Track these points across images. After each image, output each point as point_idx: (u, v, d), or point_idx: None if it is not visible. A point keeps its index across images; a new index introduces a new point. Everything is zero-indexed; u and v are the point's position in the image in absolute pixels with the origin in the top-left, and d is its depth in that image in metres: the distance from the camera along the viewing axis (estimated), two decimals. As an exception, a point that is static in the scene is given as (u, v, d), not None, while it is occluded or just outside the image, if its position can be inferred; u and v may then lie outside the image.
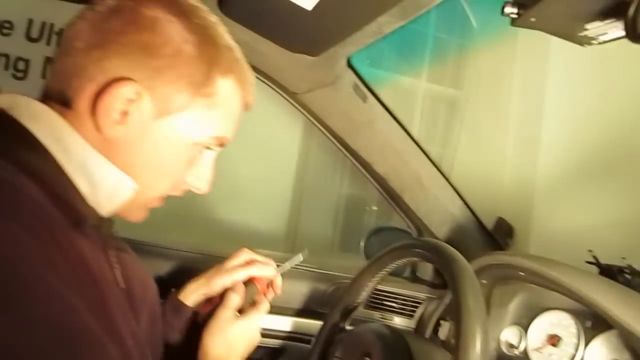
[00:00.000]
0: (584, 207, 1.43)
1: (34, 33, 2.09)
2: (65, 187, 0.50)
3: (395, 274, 1.31)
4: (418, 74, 2.68)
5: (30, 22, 2.09)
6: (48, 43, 2.09)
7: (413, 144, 1.16)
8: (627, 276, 0.87)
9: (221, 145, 0.61)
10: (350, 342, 0.81)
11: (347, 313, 0.89)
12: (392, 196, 1.21)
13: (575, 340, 0.83)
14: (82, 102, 0.52)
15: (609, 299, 0.68)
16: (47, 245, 0.41)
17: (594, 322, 0.82)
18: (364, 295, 0.88)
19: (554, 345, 0.86)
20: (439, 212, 1.21)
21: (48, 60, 2.08)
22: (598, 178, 1.42)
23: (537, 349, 0.89)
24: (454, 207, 1.23)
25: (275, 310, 1.15)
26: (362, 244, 1.32)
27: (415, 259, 0.79)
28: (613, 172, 1.38)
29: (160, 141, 0.55)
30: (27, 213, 0.41)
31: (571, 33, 0.55)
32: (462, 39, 2.56)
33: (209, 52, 0.55)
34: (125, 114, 0.52)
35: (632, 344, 0.71)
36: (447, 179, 1.22)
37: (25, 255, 0.38)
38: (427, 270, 1.29)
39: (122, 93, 0.51)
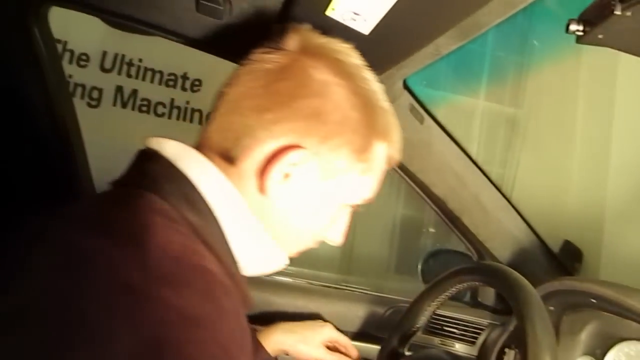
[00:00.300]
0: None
1: (107, 64, 2.27)
2: (227, 253, 0.51)
3: (456, 298, 1.28)
4: (476, 93, 2.64)
5: (104, 54, 2.27)
6: (119, 72, 2.27)
7: (472, 164, 1.13)
8: None
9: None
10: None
11: (405, 338, 0.87)
12: (450, 218, 1.18)
13: (657, 375, 0.77)
14: (248, 163, 0.52)
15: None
16: (227, 315, 0.41)
17: (678, 356, 0.75)
18: (423, 320, 0.86)
19: (632, 379, 0.81)
20: (501, 234, 1.17)
21: (118, 89, 2.26)
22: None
23: (614, 383, 0.83)
24: (516, 229, 1.18)
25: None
26: (419, 266, 1.29)
27: (476, 283, 0.77)
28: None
29: (315, 203, 0.56)
30: (211, 284, 0.42)
31: (642, 49, 0.53)
32: (522, 57, 2.50)
33: (371, 117, 0.56)
34: (287, 176, 0.52)
35: None
36: (508, 200, 1.18)
37: (210, 326, 0.39)
38: (489, 294, 1.24)
39: (290, 158, 0.51)
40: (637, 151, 1.57)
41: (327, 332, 0.95)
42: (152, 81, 2.30)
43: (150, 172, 0.49)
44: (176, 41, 0.84)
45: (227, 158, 0.53)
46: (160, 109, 2.29)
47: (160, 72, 2.30)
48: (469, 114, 2.60)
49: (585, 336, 0.91)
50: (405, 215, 2.45)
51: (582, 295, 0.83)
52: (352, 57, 0.57)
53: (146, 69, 2.29)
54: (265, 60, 0.54)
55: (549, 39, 2.21)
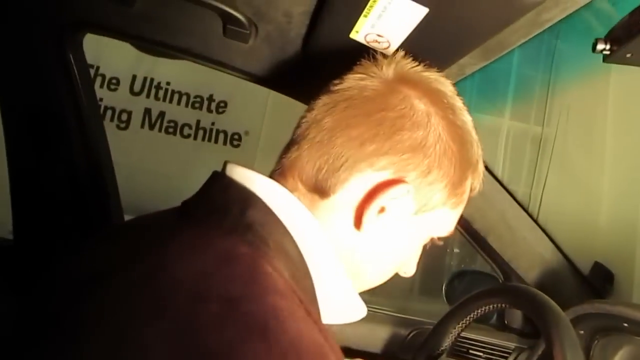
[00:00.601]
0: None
1: (137, 87, 2.35)
2: (314, 299, 0.49)
3: (482, 320, 1.25)
4: (501, 112, 2.62)
5: (134, 77, 2.35)
6: (148, 95, 2.34)
7: (497, 184, 1.12)
8: None
9: None
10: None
11: (430, 360, 0.85)
12: (475, 238, 1.16)
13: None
14: (344, 196, 0.50)
15: None
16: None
17: None
18: (447, 342, 0.84)
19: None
20: (528, 255, 1.15)
21: (146, 111, 2.32)
22: None
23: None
24: (543, 249, 1.16)
25: (349, 352, 1.13)
26: (444, 287, 1.28)
27: (503, 305, 0.76)
28: None
29: (405, 238, 0.55)
30: (307, 342, 0.40)
31: (671, 67, 0.52)
32: (548, 75, 2.48)
33: (467, 149, 0.54)
34: (382, 210, 0.50)
35: None
36: (534, 220, 1.16)
37: None
38: (516, 317, 1.21)
39: (392, 193, 0.49)
40: (669, 170, 1.53)
41: None
42: (179, 103, 2.37)
43: (252, 221, 0.45)
44: (203, 64, 0.87)
45: (320, 190, 0.50)
46: (186, 130, 2.35)
47: (187, 94, 2.37)
48: (494, 133, 2.58)
49: (618, 361, 0.88)
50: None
51: (614, 319, 0.81)
52: (447, 85, 0.55)
53: (173, 92, 2.36)
54: (362, 88, 0.51)
55: (576, 56, 2.19)
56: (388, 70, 0.53)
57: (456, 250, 2.47)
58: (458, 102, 0.55)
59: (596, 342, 0.89)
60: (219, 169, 0.53)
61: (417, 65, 0.54)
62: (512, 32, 0.62)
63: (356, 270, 0.53)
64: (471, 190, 0.57)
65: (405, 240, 0.54)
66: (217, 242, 0.43)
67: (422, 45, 0.62)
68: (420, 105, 0.51)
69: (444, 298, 1.27)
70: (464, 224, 1.13)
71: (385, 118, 0.50)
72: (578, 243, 1.34)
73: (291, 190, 0.50)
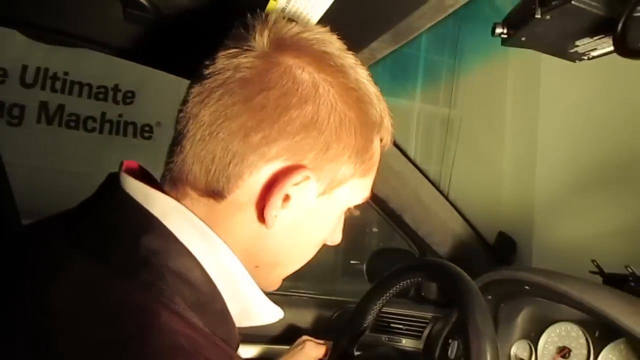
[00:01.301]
0: (585, 218, 1.43)
1: (29, 78, 2.13)
2: (226, 318, 0.47)
3: (400, 295, 1.31)
4: (412, 96, 2.72)
5: (25, 68, 2.13)
6: (43, 87, 2.14)
7: (411, 164, 1.17)
8: (632, 284, 0.87)
9: None
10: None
11: (354, 338, 0.88)
12: (392, 217, 1.21)
13: (584, 351, 0.82)
14: (241, 194, 0.46)
15: (615, 308, 0.68)
16: None
17: (602, 332, 0.81)
18: (370, 319, 0.87)
19: (564, 357, 0.86)
20: (440, 230, 1.22)
21: (42, 105, 2.12)
22: (597, 188, 1.42)
23: (548, 363, 0.88)
24: (454, 224, 1.23)
25: (280, 339, 1.14)
26: (364, 266, 1.32)
27: (419, 279, 0.79)
28: (611, 181, 1.38)
29: (317, 218, 0.51)
30: None
31: (561, 50, 0.56)
32: (453, 59, 2.61)
33: (367, 111, 0.49)
34: (287, 198, 0.46)
35: (642, 353, 0.71)
36: (446, 197, 1.23)
37: None
38: (432, 289, 1.28)
39: (290, 180, 0.45)
40: (562, 145, 1.67)
41: (310, 354, 0.91)
42: (80, 95, 2.18)
43: (146, 253, 0.42)
44: (105, 52, 0.81)
45: (213, 193, 0.46)
46: (90, 124, 2.18)
47: (89, 85, 2.19)
48: (406, 115, 2.68)
49: (521, 321, 0.96)
50: (349, 216, 2.48)
51: (516, 284, 0.88)
52: (332, 44, 0.49)
53: (73, 82, 2.17)
54: (236, 67, 0.45)
55: (478, 41, 2.31)
56: (262, 39, 0.46)
57: (375, 229, 2.55)
58: (348, 60, 0.49)
59: (502, 305, 0.97)
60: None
61: (294, 27, 0.48)
62: (419, 16, 0.64)
63: (276, 262, 0.52)
64: (382, 147, 0.55)
65: (321, 220, 0.51)
66: (106, 289, 0.40)
67: (333, 29, 0.62)
68: (304, 75, 0.45)
69: (365, 277, 1.32)
70: (381, 204, 1.17)
71: (267, 100, 0.44)
72: (484, 216, 1.44)
73: (182, 199, 0.46)
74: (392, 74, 2.67)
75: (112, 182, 0.47)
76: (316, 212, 0.50)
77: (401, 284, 0.82)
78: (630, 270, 0.87)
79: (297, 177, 0.45)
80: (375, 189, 1.14)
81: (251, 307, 0.49)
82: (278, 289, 1.04)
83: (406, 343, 1.15)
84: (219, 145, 0.44)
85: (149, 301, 0.40)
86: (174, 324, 0.39)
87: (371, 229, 2.57)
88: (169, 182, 0.48)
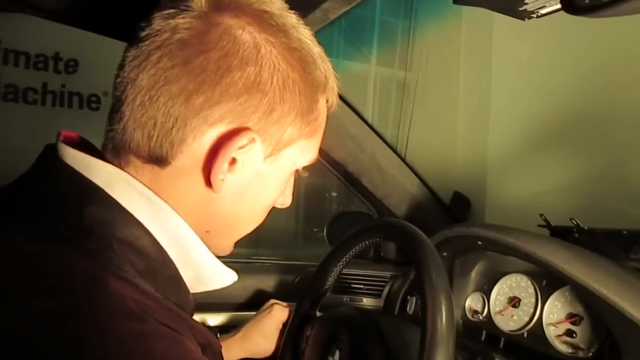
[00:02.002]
0: (535, 175, 1.49)
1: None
2: (179, 283, 0.47)
3: (360, 256, 1.34)
4: (368, 59, 2.71)
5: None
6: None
7: (367, 128, 1.17)
8: (576, 235, 0.92)
9: None
10: (320, 328, 0.82)
11: (316, 301, 0.89)
12: (350, 181, 1.22)
13: (533, 300, 0.87)
14: (185, 160, 0.45)
15: (561, 258, 0.72)
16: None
17: (549, 281, 0.86)
18: (331, 281, 0.88)
19: (514, 306, 0.91)
20: (398, 192, 1.24)
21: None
22: (546, 147, 1.48)
23: (500, 312, 0.93)
24: (411, 186, 1.26)
25: (245, 306, 1.15)
26: (325, 230, 1.33)
27: (377, 239, 0.81)
28: (559, 140, 1.44)
29: (265, 181, 0.50)
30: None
31: (511, 8, 0.56)
32: (409, 22, 2.60)
33: (311, 70, 0.49)
34: (234, 162, 0.46)
35: (584, 297, 0.75)
36: (402, 160, 1.24)
37: None
38: (390, 249, 1.32)
39: (235, 143, 0.44)
40: (513, 106, 1.72)
41: (278, 317, 0.93)
42: (16, 64, 2.04)
43: (90, 222, 0.41)
44: (40, 17, 0.75)
45: (157, 159, 0.45)
46: (31, 96, 2.06)
47: (26, 54, 2.05)
48: (362, 79, 2.67)
49: (474, 275, 1.01)
50: (308, 182, 2.49)
51: (470, 239, 0.91)
52: (274, 2, 0.48)
53: (7, 51, 2.02)
54: (173, 29, 0.43)
55: (432, 2, 2.31)
56: None
57: (334, 194, 2.58)
58: (290, 19, 0.49)
59: (457, 261, 1.00)
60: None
61: None
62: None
63: (226, 227, 0.52)
64: (328, 108, 0.55)
65: (268, 183, 0.51)
66: (50, 260, 0.38)
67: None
68: (245, 36, 0.44)
69: (326, 240, 1.33)
70: (339, 168, 1.18)
71: (208, 62, 0.43)
72: (440, 177, 1.48)
73: (125, 167, 0.45)
74: (347, 37, 2.64)
75: (50, 154, 0.45)
76: (264, 174, 0.50)
77: (360, 246, 0.83)
78: (575, 223, 0.92)
79: (242, 139, 0.45)
80: (333, 153, 1.15)
81: (204, 272, 0.50)
82: (240, 257, 1.05)
83: (367, 302, 1.19)
84: (160, 110, 0.43)
85: (96, 270, 0.39)
86: (124, 290, 0.39)
87: (330, 194, 2.59)
88: (111, 150, 0.47)
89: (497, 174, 1.67)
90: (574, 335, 0.79)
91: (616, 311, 0.63)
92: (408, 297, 1.06)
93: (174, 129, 0.43)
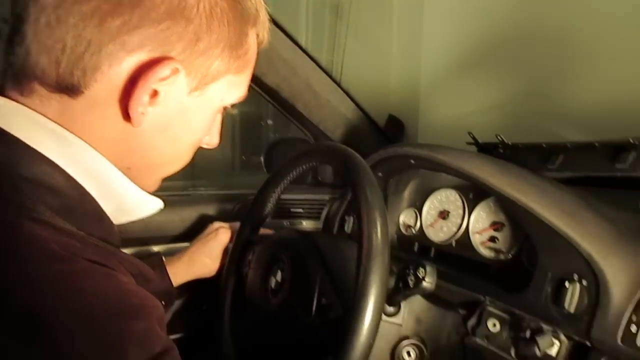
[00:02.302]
0: (464, 96, 1.54)
1: None
2: (100, 216, 0.44)
3: (298, 181, 1.35)
4: (299, -20, 2.59)
5: None
6: None
7: (301, 51, 1.14)
8: (500, 150, 0.97)
9: None
10: (262, 252, 0.84)
11: (256, 226, 0.90)
12: (285, 107, 1.20)
13: (460, 212, 0.93)
14: (100, 89, 0.41)
15: (486, 171, 0.76)
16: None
17: (475, 194, 0.92)
18: (270, 206, 0.89)
19: (444, 219, 0.96)
20: (333, 116, 1.24)
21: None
22: (476, 68, 1.51)
23: (431, 225, 0.99)
24: (346, 110, 1.26)
25: (185, 237, 1.15)
26: (262, 158, 1.33)
27: (314, 164, 0.81)
28: (488, 61, 1.48)
29: (190, 117, 0.47)
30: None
31: None
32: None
33: (241, 1, 0.46)
34: (155, 94, 0.42)
35: (506, 206, 0.81)
36: (337, 84, 1.23)
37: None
38: (327, 173, 1.34)
39: (158, 74, 0.41)
40: (445, 28, 1.72)
41: (223, 238, 0.94)
42: None
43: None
44: None
45: (67, 88, 0.40)
46: None
47: None
48: (295, 2, 2.56)
49: (407, 193, 1.05)
50: (243, 111, 2.44)
51: (403, 158, 0.94)
52: None
53: None
54: None
55: None
56: None
57: (269, 121, 2.55)
58: None
59: (391, 180, 1.04)
60: None
61: None
62: None
63: (149, 164, 0.49)
64: (259, 44, 0.53)
65: (193, 119, 0.49)
66: None
67: None
68: None
69: (264, 168, 1.33)
70: (273, 94, 1.15)
71: None
72: (374, 100, 1.49)
73: (29, 97, 0.41)
74: (277, -44, 2.49)
75: None
76: (188, 109, 0.47)
77: (297, 170, 0.84)
78: (500, 139, 0.97)
79: (164, 70, 0.41)
80: (266, 78, 1.11)
81: (126, 203, 0.48)
82: (176, 189, 1.02)
83: (306, 225, 1.22)
84: (70, 32, 0.39)
85: (8, 216, 0.36)
86: (42, 233, 0.37)
87: (266, 121, 2.56)
88: (11, 79, 0.42)
89: (429, 96, 1.71)
90: (496, 240, 0.86)
91: (533, 216, 0.68)
92: (346, 218, 1.10)
93: (87, 54, 0.39)
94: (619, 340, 0.57)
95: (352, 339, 0.50)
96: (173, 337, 1.10)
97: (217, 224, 0.97)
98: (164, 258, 0.89)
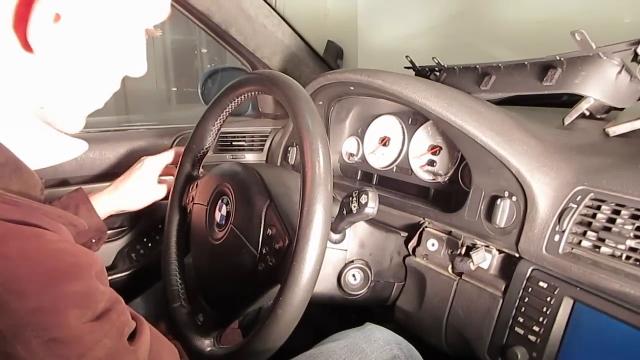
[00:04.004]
0: (401, 20, 1.52)
1: None
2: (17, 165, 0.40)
3: (239, 113, 1.32)
4: None
5: None
6: None
7: (229, -29, 1.06)
8: (437, 73, 0.98)
9: None
10: (204, 187, 0.83)
11: (197, 161, 0.88)
12: (218, 33, 1.14)
13: (401, 137, 0.95)
14: None
15: (422, 95, 0.77)
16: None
17: (414, 119, 0.93)
18: (210, 140, 0.87)
19: (384, 145, 0.98)
20: (269, 42, 1.19)
21: None
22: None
23: (372, 152, 1.01)
24: (283, 35, 1.21)
25: (119, 175, 1.10)
26: (199, 90, 1.27)
27: (252, 93, 0.78)
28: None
29: (104, 41, 0.42)
30: None
31: None
32: None
33: None
34: (57, 18, 0.37)
35: (443, 129, 0.83)
36: (272, 7, 1.17)
37: None
38: (269, 104, 1.31)
39: None
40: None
41: (146, 169, 0.91)
42: None
43: None
44: None
45: None
46: None
47: None
48: None
49: (349, 121, 1.06)
50: (174, 39, 2.28)
51: (343, 85, 0.93)
52: None
53: None
54: None
55: None
56: None
57: (204, 50, 2.41)
58: None
59: (332, 108, 1.03)
60: None
61: None
62: None
63: (65, 99, 0.45)
64: None
65: (109, 44, 0.44)
66: None
67: None
68: None
69: (201, 100, 1.28)
70: (203, 19, 1.08)
71: None
72: (312, 26, 1.44)
73: None
74: None
75: None
76: (101, 33, 0.43)
77: (235, 101, 0.81)
78: (436, 62, 0.97)
79: None
80: (195, 2, 1.04)
81: (46, 149, 0.45)
82: (109, 125, 0.96)
83: (249, 157, 1.20)
84: None
85: None
86: None
87: (200, 51, 2.42)
88: None
89: (367, 20, 1.67)
90: (434, 163, 0.89)
91: (467, 137, 0.71)
92: (289, 148, 1.09)
93: None
94: (544, 250, 0.62)
95: (299, 267, 0.52)
96: (122, 274, 1.10)
97: (143, 157, 0.94)
98: (89, 196, 0.86)
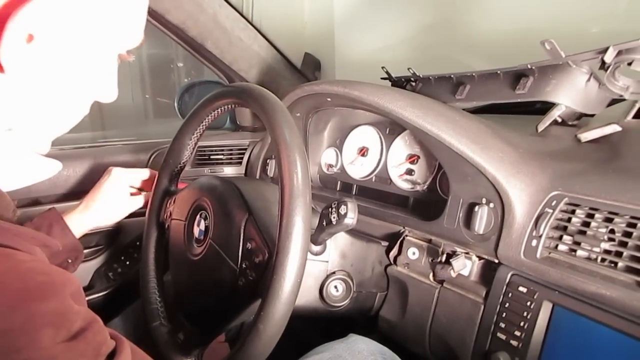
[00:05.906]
0: (378, 31, 1.54)
1: None
2: None
3: (216, 127, 1.31)
4: None
5: None
6: None
7: (205, -15, 1.06)
8: (413, 84, 0.99)
9: None
10: (182, 202, 0.81)
11: (174, 175, 0.87)
12: (194, 47, 1.14)
13: (379, 147, 0.96)
14: None
15: (399, 105, 0.77)
16: None
17: (391, 128, 0.94)
18: (187, 154, 0.86)
19: (363, 155, 0.99)
20: (246, 55, 1.19)
21: None
22: (386, 2, 1.51)
23: (351, 162, 1.01)
24: (260, 48, 1.21)
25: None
26: (175, 104, 1.26)
27: (228, 106, 0.78)
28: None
29: (75, 63, 0.42)
30: None
31: None
32: None
33: None
34: (31, 38, 0.37)
35: (420, 138, 0.84)
36: (248, 21, 1.18)
37: None
38: (246, 117, 1.31)
39: (25, 14, 0.35)
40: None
41: (114, 182, 0.88)
42: None
43: None
44: None
45: None
46: None
47: None
48: None
49: (328, 132, 1.06)
50: (150, 53, 2.26)
51: (320, 97, 0.93)
52: None
53: None
54: None
55: None
56: None
57: (180, 64, 2.40)
58: None
59: (310, 120, 1.03)
60: None
61: None
62: None
63: (31, 124, 0.44)
64: None
65: (82, 66, 0.44)
66: None
67: None
68: None
69: (178, 114, 1.27)
70: (179, 34, 1.08)
71: None
72: (289, 39, 1.44)
73: None
74: None
75: None
76: (74, 56, 0.42)
77: (212, 115, 0.80)
78: (412, 72, 0.98)
79: (32, 6, 0.37)
80: (170, 15, 1.03)
81: (17, 170, 0.44)
82: (84, 141, 0.94)
83: (228, 171, 1.20)
84: None
85: None
86: None
87: (176, 64, 2.40)
88: None
89: (344, 32, 1.68)
90: (413, 172, 0.89)
91: (444, 146, 0.72)
92: (268, 161, 1.09)
93: None
94: (522, 255, 0.63)
95: (280, 281, 0.51)
96: (100, 294, 1.07)
97: (110, 168, 0.91)
98: (62, 216, 0.83)
